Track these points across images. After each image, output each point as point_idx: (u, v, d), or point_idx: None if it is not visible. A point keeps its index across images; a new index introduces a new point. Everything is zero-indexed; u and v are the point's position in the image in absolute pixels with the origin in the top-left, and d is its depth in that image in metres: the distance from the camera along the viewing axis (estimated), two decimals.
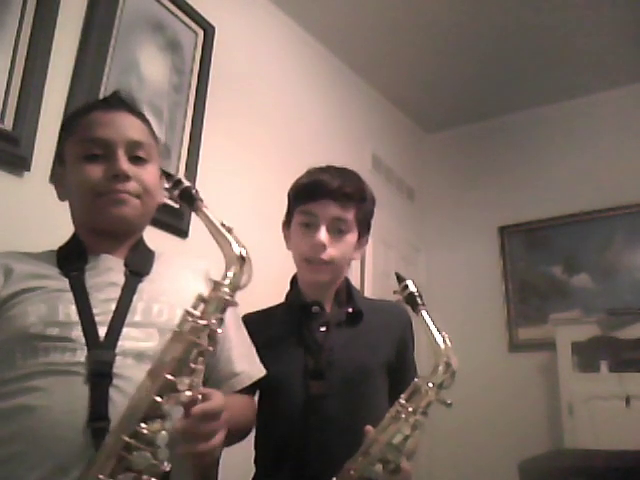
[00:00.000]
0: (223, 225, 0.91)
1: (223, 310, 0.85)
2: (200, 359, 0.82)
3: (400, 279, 1.13)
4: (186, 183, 0.94)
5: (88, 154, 1.00)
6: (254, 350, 1.17)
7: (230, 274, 0.87)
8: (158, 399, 0.78)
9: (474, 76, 3.17)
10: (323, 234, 1.22)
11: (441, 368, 1.02)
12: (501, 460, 2.50)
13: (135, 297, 0.97)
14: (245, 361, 1.12)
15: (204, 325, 0.82)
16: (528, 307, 3.21)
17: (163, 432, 0.77)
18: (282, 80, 2.67)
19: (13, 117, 1.54)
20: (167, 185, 0.94)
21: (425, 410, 1.00)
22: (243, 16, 2.48)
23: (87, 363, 0.87)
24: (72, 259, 1.01)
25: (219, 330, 0.84)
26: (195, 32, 2.19)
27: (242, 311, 1.29)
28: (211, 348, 0.83)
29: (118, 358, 0.89)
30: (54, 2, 1.67)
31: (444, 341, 1.04)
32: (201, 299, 0.85)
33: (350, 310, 1.27)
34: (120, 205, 0.99)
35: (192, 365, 0.81)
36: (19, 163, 1.55)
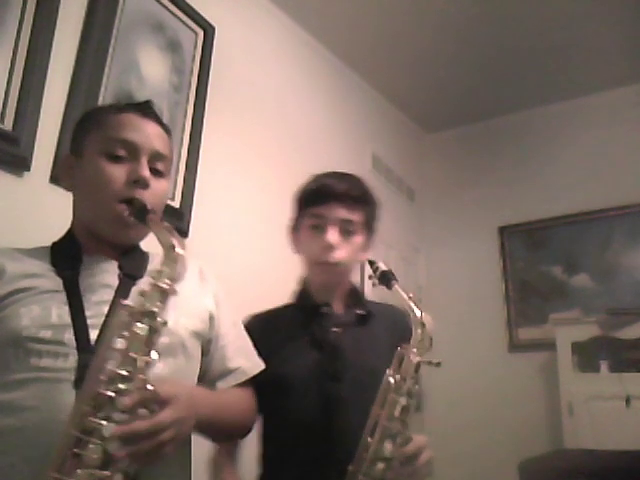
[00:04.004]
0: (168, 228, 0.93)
1: (163, 299, 0.86)
2: (145, 349, 0.82)
3: (371, 262, 1.22)
4: (142, 202, 0.96)
5: (112, 153, 0.99)
6: (251, 345, 1.16)
7: (166, 266, 0.88)
8: (104, 392, 0.78)
9: (474, 76, 3.17)
10: (332, 235, 1.25)
11: (418, 331, 1.07)
12: (501, 460, 2.50)
13: (128, 300, 0.96)
14: (241, 357, 1.11)
15: (142, 313, 0.83)
16: (528, 307, 3.21)
17: (109, 423, 0.77)
18: (282, 80, 2.67)
19: (13, 117, 1.54)
20: (127, 212, 0.96)
21: (414, 375, 1.04)
22: (243, 16, 2.48)
23: (77, 368, 0.87)
24: (66, 258, 1.00)
25: (159, 318, 0.85)
26: (195, 32, 2.18)
27: (244, 309, 1.30)
28: (154, 338, 0.84)
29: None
30: (54, 2, 1.67)
31: (419, 309, 1.10)
32: (140, 293, 0.86)
33: (360, 312, 1.28)
34: (129, 229, 0.99)
35: (133, 355, 0.81)
36: (19, 163, 1.55)
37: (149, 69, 1.98)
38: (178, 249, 0.89)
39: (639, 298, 2.85)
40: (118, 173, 0.98)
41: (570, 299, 3.07)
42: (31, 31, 1.60)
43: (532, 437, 2.83)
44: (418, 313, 1.09)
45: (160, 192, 1.04)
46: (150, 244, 1.13)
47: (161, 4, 2.06)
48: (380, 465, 0.99)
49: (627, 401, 2.40)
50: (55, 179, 1.62)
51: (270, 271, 2.22)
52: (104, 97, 1.78)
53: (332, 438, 1.14)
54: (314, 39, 2.90)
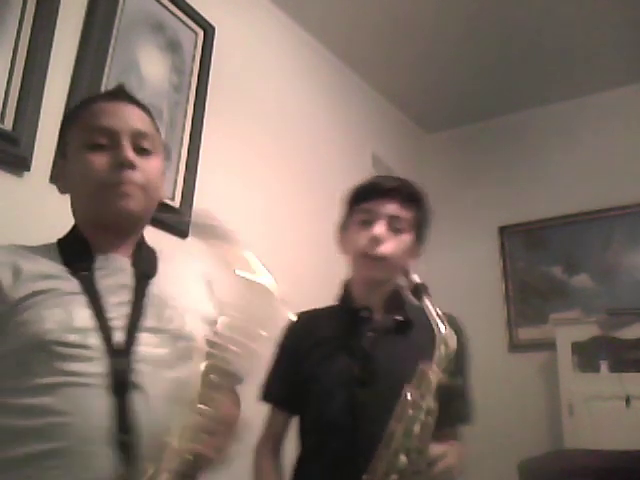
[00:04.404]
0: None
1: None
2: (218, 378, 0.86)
3: (406, 272, 1.21)
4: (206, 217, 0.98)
5: (92, 143, 0.98)
6: None
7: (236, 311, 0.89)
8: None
9: (474, 76, 3.17)
10: (380, 228, 1.24)
11: (442, 349, 1.05)
12: (501, 460, 2.50)
13: (147, 301, 0.96)
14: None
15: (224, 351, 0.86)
16: (528, 307, 3.20)
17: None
18: (282, 80, 2.67)
19: (13, 117, 1.54)
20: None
21: (435, 394, 1.02)
22: (243, 16, 2.48)
23: (107, 373, 0.86)
24: (78, 257, 0.98)
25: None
26: (195, 32, 2.18)
27: None
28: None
29: (136, 365, 0.89)
30: (54, 2, 1.67)
31: (445, 327, 1.08)
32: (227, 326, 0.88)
33: (399, 318, 1.26)
34: (126, 199, 0.97)
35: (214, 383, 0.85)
36: (19, 163, 1.55)
37: (149, 69, 1.98)
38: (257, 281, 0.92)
39: (639, 298, 2.85)
40: (100, 161, 0.97)
41: (570, 299, 3.07)
42: (31, 31, 1.60)
43: (532, 437, 2.82)
44: (443, 330, 1.07)
45: (151, 170, 1.01)
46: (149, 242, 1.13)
47: (161, 4, 2.06)
48: (393, 477, 1.00)
49: (627, 401, 2.40)
50: (55, 179, 1.63)
51: (270, 271, 2.21)
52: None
53: (356, 442, 1.14)
54: (314, 39, 2.90)
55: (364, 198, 1.30)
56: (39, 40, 1.61)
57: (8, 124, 1.53)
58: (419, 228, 1.33)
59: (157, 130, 1.09)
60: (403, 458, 1.00)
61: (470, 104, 3.43)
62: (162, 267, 1.06)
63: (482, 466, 2.88)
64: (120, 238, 1.02)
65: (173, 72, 2.07)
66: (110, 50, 1.83)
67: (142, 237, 1.08)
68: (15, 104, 1.55)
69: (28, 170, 1.57)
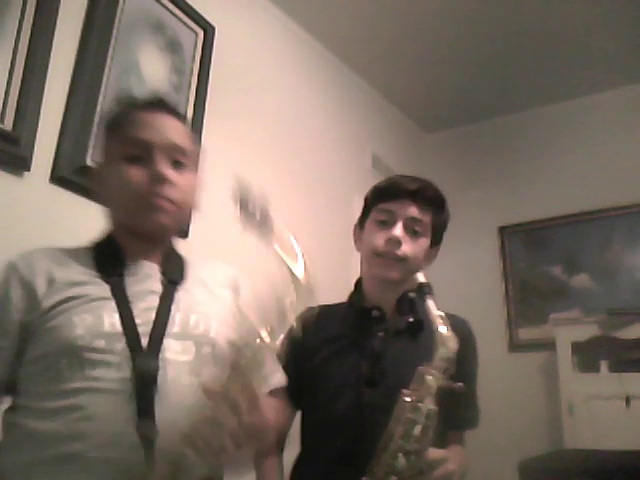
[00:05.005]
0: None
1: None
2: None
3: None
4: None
5: (129, 155, 0.98)
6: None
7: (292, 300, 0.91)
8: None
9: (474, 76, 3.17)
10: (399, 230, 1.23)
11: (441, 351, 1.04)
12: (501, 460, 2.50)
13: (173, 307, 0.97)
14: (274, 367, 1.11)
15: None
16: (528, 307, 3.20)
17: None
18: (282, 80, 2.67)
19: (13, 117, 1.54)
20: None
21: (434, 396, 1.02)
22: (243, 16, 2.48)
23: (131, 379, 0.87)
24: (110, 262, 0.99)
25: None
26: (195, 32, 2.18)
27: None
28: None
29: (160, 371, 0.89)
30: (54, 2, 1.67)
31: (446, 328, 1.07)
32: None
33: (411, 319, 1.25)
34: (160, 213, 0.98)
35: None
36: (19, 163, 1.55)
37: (149, 69, 1.98)
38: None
39: (639, 298, 2.85)
40: (137, 174, 0.97)
41: (570, 299, 3.07)
42: (31, 31, 1.60)
43: (532, 437, 2.82)
44: (445, 333, 1.06)
45: (185, 186, 1.02)
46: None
47: (161, 4, 2.06)
48: (393, 478, 1.00)
49: (627, 401, 2.40)
50: (55, 179, 1.63)
51: (269, 272, 2.21)
52: (104, 97, 1.77)
53: (359, 442, 1.13)
54: (314, 39, 2.90)
55: (384, 198, 1.28)
56: (39, 40, 1.61)
57: (8, 124, 1.53)
58: (436, 232, 1.30)
59: (194, 141, 1.09)
60: (402, 460, 0.99)
61: (470, 104, 3.43)
62: (190, 273, 1.06)
63: (482, 466, 2.88)
64: (151, 246, 1.04)
65: (173, 72, 2.07)
66: (110, 50, 1.83)
67: (172, 244, 1.10)
68: (15, 104, 1.55)
69: (28, 170, 1.57)
